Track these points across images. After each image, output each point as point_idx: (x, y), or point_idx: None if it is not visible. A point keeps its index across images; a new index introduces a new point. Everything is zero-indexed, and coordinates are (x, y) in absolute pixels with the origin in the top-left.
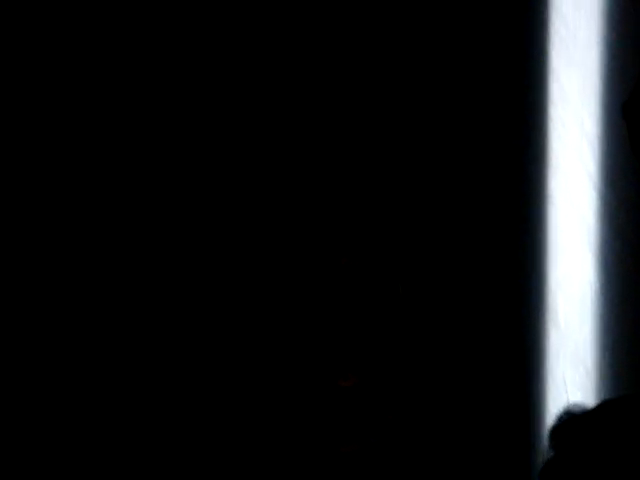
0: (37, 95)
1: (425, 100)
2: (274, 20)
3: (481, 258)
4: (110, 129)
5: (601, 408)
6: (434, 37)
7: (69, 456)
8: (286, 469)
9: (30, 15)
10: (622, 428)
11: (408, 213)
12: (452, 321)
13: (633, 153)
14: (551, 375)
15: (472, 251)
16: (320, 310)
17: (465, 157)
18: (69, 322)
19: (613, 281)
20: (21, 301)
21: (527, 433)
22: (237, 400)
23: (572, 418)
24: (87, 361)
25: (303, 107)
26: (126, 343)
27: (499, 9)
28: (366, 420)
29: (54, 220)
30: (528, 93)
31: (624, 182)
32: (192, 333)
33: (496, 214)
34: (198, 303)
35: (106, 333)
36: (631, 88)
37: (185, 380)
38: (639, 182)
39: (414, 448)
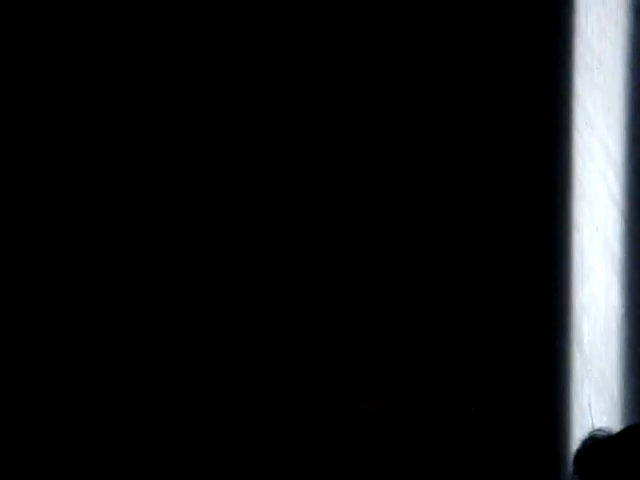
0: (37, 95)
1: (452, 127)
2: (274, 20)
3: (508, 284)
4: (110, 129)
5: (625, 433)
6: (462, 64)
7: (69, 456)
8: None
9: (30, 15)
10: None
11: (437, 243)
12: (478, 346)
13: None
14: (576, 399)
15: (499, 277)
16: (345, 332)
17: (492, 183)
18: (69, 322)
19: (638, 305)
20: (21, 301)
21: (552, 457)
22: (259, 421)
23: (596, 443)
24: (87, 361)
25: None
26: (130, 343)
27: (524, 35)
28: (390, 442)
29: (54, 220)
30: (553, 118)
31: None
32: (211, 350)
33: (522, 240)
34: (216, 320)
35: (106, 333)
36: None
37: (203, 393)
38: None
39: (441, 471)
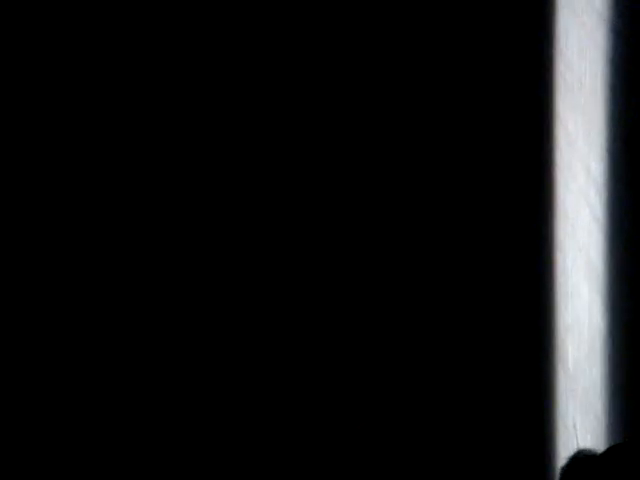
0: (37, 95)
1: (435, 148)
2: (274, 20)
3: (493, 304)
4: (110, 129)
5: (609, 453)
6: (445, 86)
7: (69, 456)
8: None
9: (30, 15)
10: (630, 473)
11: (421, 265)
12: (464, 366)
13: None
14: (561, 419)
15: (483, 297)
16: (334, 332)
17: (475, 205)
18: (69, 322)
19: (622, 325)
20: (21, 301)
21: (538, 476)
22: (259, 421)
23: (580, 463)
24: (87, 361)
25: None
26: (130, 343)
27: (506, 56)
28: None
29: (54, 220)
30: (535, 139)
31: (631, 226)
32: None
33: (506, 262)
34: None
35: (106, 333)
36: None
37: (203, 392)
38: None
39: None
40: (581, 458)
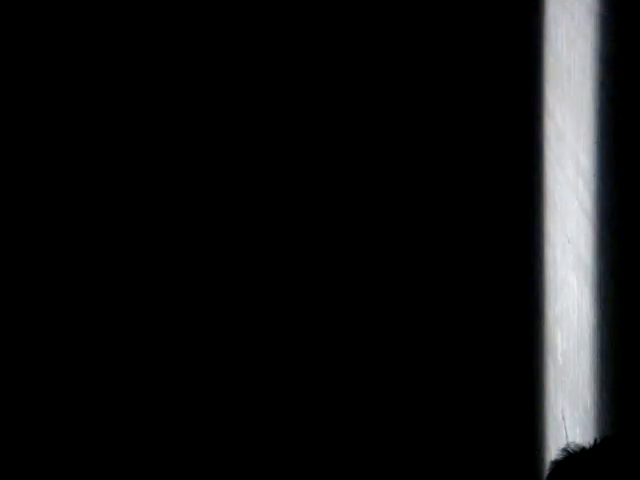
0: (37, 95)
1: (425, 142)
2: (274, 20)
3: (482, 297)
4: (110, 129)
5: (598, 447)
6: (434, 78)
7: (69, 456)
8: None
9: (30, 15)
10: (619, 466)
11: (413, 255)
12: (454, 358)
13: None
14: (550, 411)
15: (473, 289)
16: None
17: (464, 198)
18: (69, 322)
19: (610, 317)
20: (21, 301)
21: (527, 468)
22: (258, 421)
23: (570, 457)
24: (87, 361)
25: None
26: (130, 342)
27: (496, 47)
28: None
29: (54, 220)
30: (524, 131)
31: (620, 218)
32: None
33: (496, 254)
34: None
35: (106, 333)
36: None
37: (203, 392)
38: (634, 217)
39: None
40: (571, 451)
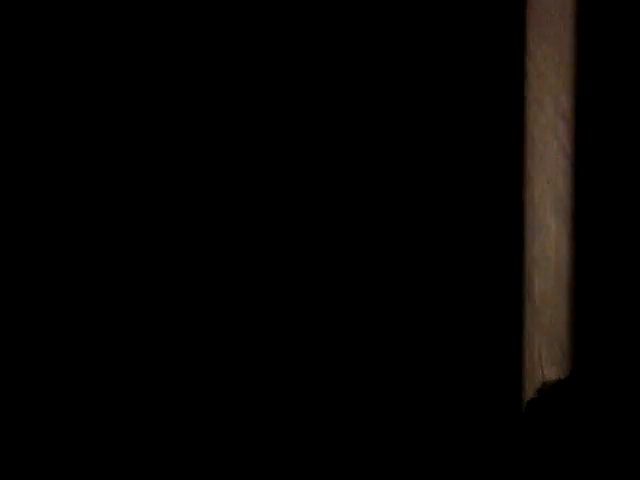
0: (37, 95)
1: (400, 89)
2: (274, 20)
3: (457, 237)
4: (110, 129)
5: (572, 380)
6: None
7: (69, 456)
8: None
9: (30, 15)
10: (593, 400)
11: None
12: (428, 300)
13: None
14: (527, 350)
15: (450, 230)
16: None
17: (440, 143)
18: (69, 322)
19: (588, 259)
20: (21, 301)
21: (503, 408)
22: (258, 421)
23: (545, 394)
24: (87, 361)
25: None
26: (130, 342)
27: None
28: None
29: (54, 220)
30: (502, 71)
31: (599, 159)
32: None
33: (473, 195)
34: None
35: (106, 333)
36: None
37: (203, 392)
38: (614, 158)
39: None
40: (546, 389)
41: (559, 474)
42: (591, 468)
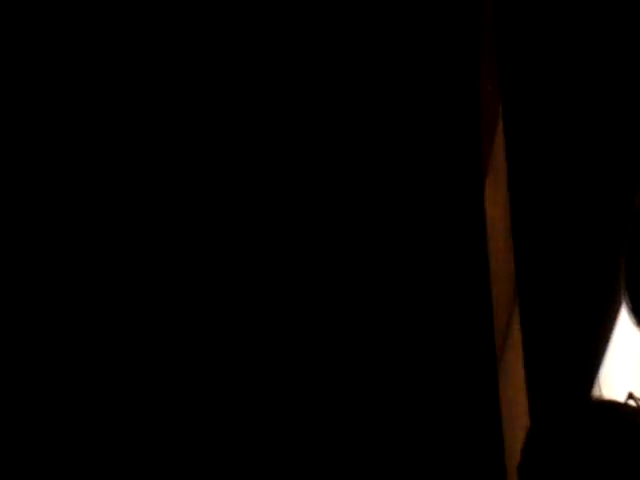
0: (37, 95)
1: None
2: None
3: (432, 209)
4: (110, 129)
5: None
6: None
7: (69, 456)
8: None
9: (30, 15)
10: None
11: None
12: (415, 272)
13: None
14: None
15: (422, 200)
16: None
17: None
18: (69, 322)
19: None
20: (21, 301)
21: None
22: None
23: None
24: (87, 361)
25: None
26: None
27: None
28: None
29: (54, 220)
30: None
31: None
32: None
33: (442, 163)
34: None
35: (106, 333)
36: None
37: (203, 392)
38: None
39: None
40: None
41: None
42: None
